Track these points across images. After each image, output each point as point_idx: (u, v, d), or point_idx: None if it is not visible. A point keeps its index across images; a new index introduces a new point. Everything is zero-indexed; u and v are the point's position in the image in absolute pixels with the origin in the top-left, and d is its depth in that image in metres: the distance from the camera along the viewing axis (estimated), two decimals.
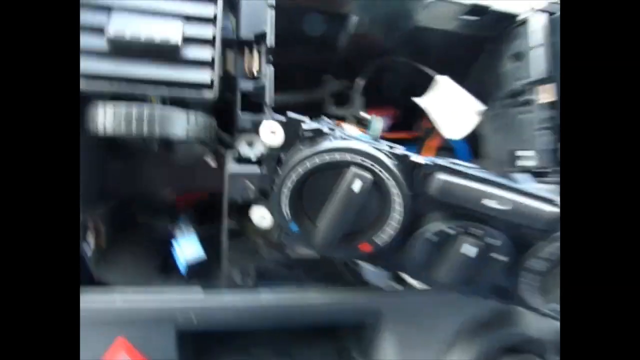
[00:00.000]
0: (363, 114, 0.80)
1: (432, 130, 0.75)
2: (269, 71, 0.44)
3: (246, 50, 0.45)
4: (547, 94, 0.55)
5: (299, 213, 0.39)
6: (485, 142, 0.65)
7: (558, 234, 0.39)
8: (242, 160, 0.44)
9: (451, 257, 0.39)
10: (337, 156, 0.36)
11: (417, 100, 0.72)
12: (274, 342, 0.53)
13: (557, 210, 0.36)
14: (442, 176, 0.36)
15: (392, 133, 0.84)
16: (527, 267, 0.40)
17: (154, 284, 0.46)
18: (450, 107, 0.71)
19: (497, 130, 0.62)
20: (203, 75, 0.41)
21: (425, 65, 0.73)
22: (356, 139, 0.37)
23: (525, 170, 0.57)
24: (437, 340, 0.51)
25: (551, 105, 0.55)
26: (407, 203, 0.37)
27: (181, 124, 0.42)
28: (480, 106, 0.67)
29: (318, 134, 0.37)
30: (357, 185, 0.35)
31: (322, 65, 0.80)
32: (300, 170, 0.37)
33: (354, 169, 0.36)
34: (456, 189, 0.36)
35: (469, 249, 0.38)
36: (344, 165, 0.36)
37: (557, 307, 0.42)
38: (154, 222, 0.52)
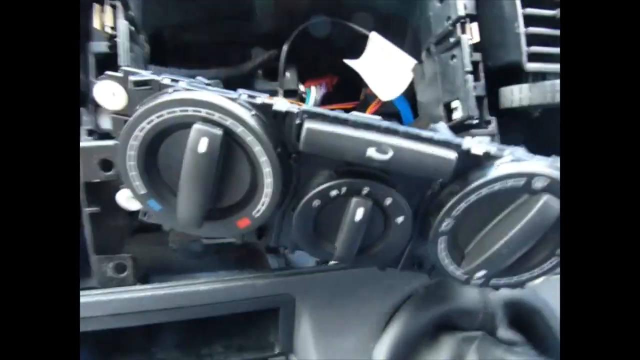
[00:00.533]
0: (297, 86, 0.74)
1: (373, 95, 0.68)
2: (122, 27, 0.37)
3: (96, 6, 0.38)
4: (470, 34, 0.48)
5: (157, 187, 0.33)
6: (421, 98, 0.58)
7: (457, 185, 0.32)
8: (102, 134, 0.38)
9: (338, 223, 0.32)
10: (177, 111, 0.29)
11: (349, 62, 0.66)
12: (181, 344, 0.47)
13: (453, 156, 0.30)
14: (310, 124, 0.29)
15: (331, 105, 0.77)
16: (434, 227, 0.33)
17: None
18: (383, 66, 0.64)
19: (431, 82, 0.55)
20: None
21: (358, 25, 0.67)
22: (203, 89, 0.31)
23: (453, 125, 0.50)
24: (360, 322, 0.45)
25: (475, 47, 0.49)
26: (276, 163, 0.31)
27: None
28: (411, 61, 0.60)
29: (156, 87, 0.30)
30: (202, 145, 0.29)
31: (249, 38, 0.73)
32: (139, 134, 0.30)
33: (197, 126, 0.29)
34: (326, 138, 0.29)
35: (357, 212, 0.32)
36: (190, 123, 0.29)
37: (480, 273, 0.35)
38: None
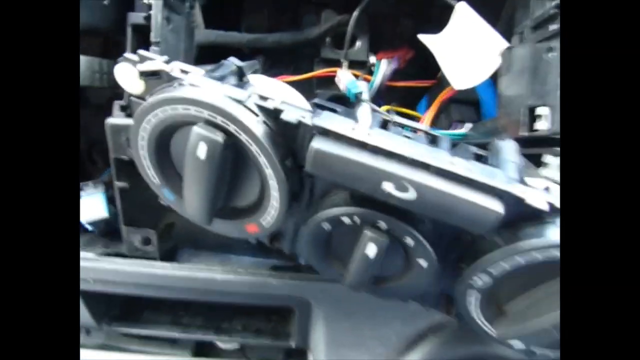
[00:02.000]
0: (367, 57, 0.66)
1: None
2: None
3: None
4: None
5: (171, 177, 0.32)
6: (505, 92, 0.48)
7: (501, 238, 0.25)
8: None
9: (351, 247, 0.28)
10: (180, 108, 0.26)
11: (423, 37, 0.56)
12: (205, 314, 0.48)
13: (499, 208, 0.23)
14: (319, 144, 0.24)
15: (401, 81, 0.68)
16: (464, 278, 0.27)
17: None
18: (466, 45, 0.53)
19: (518, 76, 0.44)
20: None
21: None
22: (213, 85, 0.27)
23: (535, 138, 0.40)
24: (378, 342, 0.41)
25: None
26: (282, 176, 0.27)
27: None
28: (502, 43, 0.49)
29: (165, 79, 0.28)
30: (201, 151, 0.26)
31: None
32: (147, 126, 0.28)
33: (197, 129, 0.26)
34: (336, 163, 0.24)
35: (368, 247, 0.27)
36: (193, 122, 0.27)
37: (516, 343, 0.29)
38: None
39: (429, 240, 0.27)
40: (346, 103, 0.64)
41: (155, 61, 0.28)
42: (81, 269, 0.39)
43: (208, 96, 0.26)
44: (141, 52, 0.29)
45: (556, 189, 0.25)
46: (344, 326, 0.41)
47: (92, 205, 0.42)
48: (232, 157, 0.27)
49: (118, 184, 0.38)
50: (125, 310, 0.46)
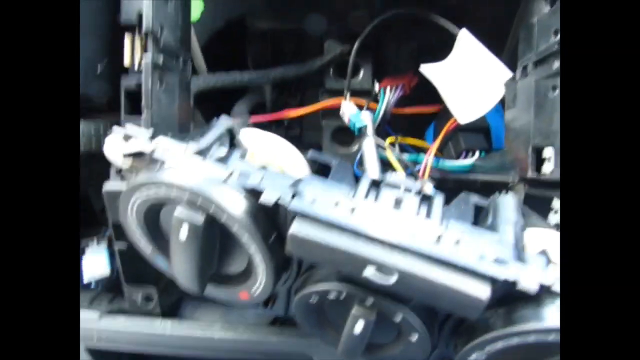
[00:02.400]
0: (372, 86, 0.65)
1: None
2: (146, 66, 0.34)
3: (127, 36, 0.36)
4: None
5: (163, 246, 0.32)
6: (511, 124, 0.46)
7: (496, 317, 0.24)
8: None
9: (341, 322, 0.27)
10: (162, 191, 0.26)
11: (425, 68, 0.54)
12: None
13: (484, 294, 0.21)
14: (297, 228, 0.24)
15: (408, 107, 0.67)
16: (460, 356, 0.26)
17: None
18: (468, 75, 0.52)
19: (523, 111, 0.42)
20: None
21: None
22: (193, 166, 0.27)
23: (540, 182, 0.38)
24: None
25: None
26: (266, 253, 0.26)
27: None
28: (507, 73, 0.47)
29: (142, 159, 0.28)
30: (183, 232, 0.26)
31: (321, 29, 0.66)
32: (134, 203, 0.29)
33: (178, 211, 0.26)
34: (315, 248, 0.23)
35: (355, 323, 0.26)
36: (176, 203, 0.27)
37: None
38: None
39: (419, 315, 0.26)
40: (352, 135, 0.64)
41: (139, 140, 0.28)
42: (86, 328, 0.40)
43: (186, 179, 0.26)
44: (128, 128, 0.29)
45: (556, 265, 0.24)
46: None
47: (95, 263, 0.43)
48: (217, 233, 0.27)
49: (118, 245, 0.39)
50: None
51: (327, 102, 0.64)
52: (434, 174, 0.55)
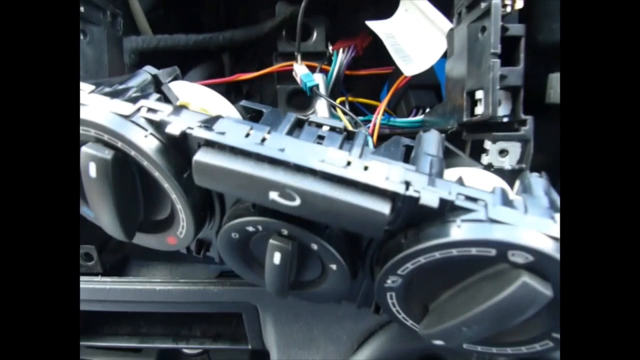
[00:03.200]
0: (326, 48, 0.64)
1: None
2: None
3: None
4: None
5: (84, 194, 0.31)
6: (450, 74, 0.46)
7: (404, 239, 0.24)
8: None
9: (260, 261, 0.27)
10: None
11: (372, 24, 0.54)
12: (165, 322, 0.49)
13: (385, 209, 0.22)
14: (201, 156, 0.23)
15: (362, 70, 0.66)
16: (378, 280, 0.26)
17: None
18: (415, 30, 0.51)
19: (458, 58, 0.43)
20: None
21: None
22: (99, 102, 0.26)
23: (476, 122, 0.38)
24: (329, 340, 0.41)
25: (520, 15, 0.35)
26: (181, 190, 0.26)
27: None
28: (447, 24, 0.47)
29: None
30: (92, 170, 0.25)
31: None
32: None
33: (84, 149, 0.25)
34: (220, 175, 0.23)
35: (273, 253, 0.26)
36: (84, 141, 0.26)
37: (438, 342, 0.28)
38: None
39: (336, 245, 0.26)
40: (308, 98, 0.64)
41: None
42: None
43: (92, 114, 0.25)
44: None
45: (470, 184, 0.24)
46: (293, 327, 0.41)
47: None
48: (133, 173, 0.27)
49: None
50: (86, 324, 0.47)
51: (278, 66, 0.64)
52: (385, 131, 0.55)
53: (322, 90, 0.59)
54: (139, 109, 0.26)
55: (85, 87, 0.27)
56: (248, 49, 0.71)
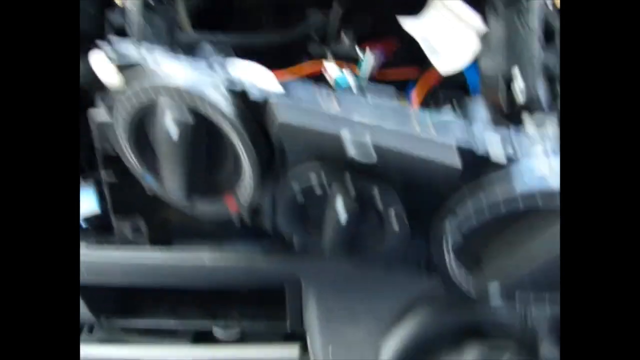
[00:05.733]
0: (354, 51, 0.67)
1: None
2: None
3: None
4: None
5: (151, 163, 0.33)
6: (485, 71, 0.48)
7: (468, 194, 0.26)
8: None
9: (322, 221, 0.29)
10: (151, 94, 0.28)
11: (403, 22, 0.57)
12: (200, 301, 0.49)
13: (456, 164, 0.24)
14: (283, 118, 0.25)
15: (389, 70, 0.69)
16: (437, 237, 0.28)
17: None
18: (446, 28, 0.54)
19: (495, 53, 0.45)
20: None
21: None
22: (184, 70, 0.28)
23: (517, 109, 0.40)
24: (371, 316, 0.42)
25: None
26: (253, 152, 0.28)
27: None
28: (478, 21, 0.50)
29: (135, 70, 0.29)
30: (173, 131, 0.27)
31: None
32: (124, 113, 0.30)
33: (169, 112, 0.27)
34: (298, 134, 0.25)
35: (340, 214, 0.28)
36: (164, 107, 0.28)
37: (494, 296, 0.29)
38: None
39: (399, 203, 0.28)
40: None
41: (130, 51, 0.30)
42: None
43: (181, 80, 0.27)
44: (116, 42, 0.30)
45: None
46: (335, 303, 0.42)
47: (84, 202, 0.43)
48: (205, 136, 0.29)
49: (106, 178, 0.39)
50: (123, 303, 0.47)
51: (308, 64, 0.66)
52: None
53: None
54: (219, 77, 0.28)
55: (167, 58, 0.30)
56: (277, 54, 0.74)
